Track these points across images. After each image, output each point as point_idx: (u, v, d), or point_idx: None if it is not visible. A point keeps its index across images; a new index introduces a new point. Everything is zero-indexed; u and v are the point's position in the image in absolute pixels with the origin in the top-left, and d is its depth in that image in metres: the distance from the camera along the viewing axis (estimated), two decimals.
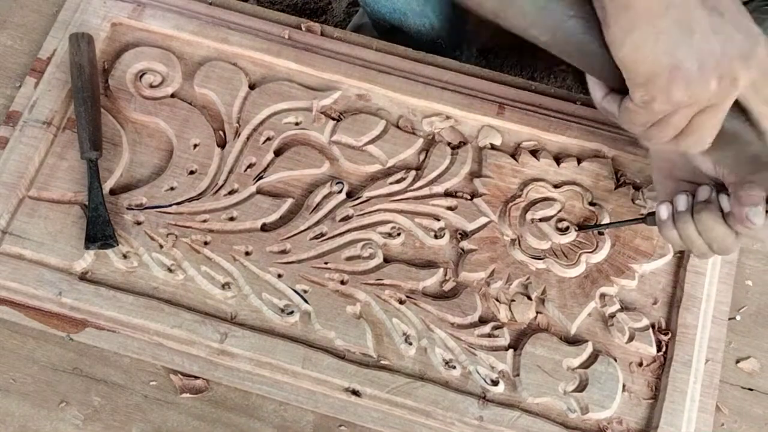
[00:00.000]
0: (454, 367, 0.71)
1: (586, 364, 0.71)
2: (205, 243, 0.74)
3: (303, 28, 0.84)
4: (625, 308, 0.73)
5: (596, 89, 0.61)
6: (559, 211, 0.76)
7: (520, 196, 0.77)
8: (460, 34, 1.11)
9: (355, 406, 0.69)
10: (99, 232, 0.72)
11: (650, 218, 0.69)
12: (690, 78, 0.54)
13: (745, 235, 0.62)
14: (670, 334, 0.73)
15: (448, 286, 0.74)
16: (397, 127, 0.80)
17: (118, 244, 0.73)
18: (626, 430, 0.69)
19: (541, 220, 0.76)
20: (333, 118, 0.80)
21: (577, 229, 0.75)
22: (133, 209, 0.75)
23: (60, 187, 0.76)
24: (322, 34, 0.84)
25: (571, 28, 0.57)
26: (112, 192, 0.76)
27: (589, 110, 0.80)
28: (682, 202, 0.64)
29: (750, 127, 0.60)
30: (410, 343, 0.72)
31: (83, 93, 0.76)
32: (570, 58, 0.60)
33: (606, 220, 0.76)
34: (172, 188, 0.76)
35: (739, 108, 0.59)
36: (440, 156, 0.78)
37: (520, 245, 0.75)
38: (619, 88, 0.58)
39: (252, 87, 0.81)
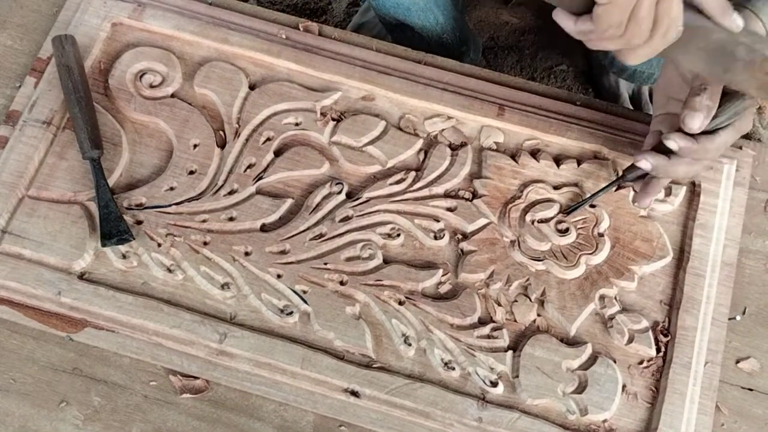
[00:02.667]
0: (454, 368, 0.71)
1: (586, 366, 0.71)
2: (205, 243, 0.74)
3: (301, 28, 0.84)
4: (624, 310, 0.73)
5: (566, 21, 0.63)
6: (559, 212, 0.76)
7: (519, 197, 0.77)
8: (465, 30, 1.11)
9: (354, 407, 0.69)
10: (113, 228, 0.72)
11: (627, 172, 0.73)
12: None
13: (694, 157, 0.68)
14: (669, 336, 0.73)
15: (447, 288, 0.74)
16: (399, 128, 0.80)
17: (134, 238, 0.73)
18: None
19: (540, 221, 0.76)
20: (333, 119, 0.80)
21: (564, 213, 0.76)
22: (132, 209, 0.75)
23: (59, 187, 0.76)
24: (319, 34, 0.84)
25: None
26: (112, 192, 0.76)
27: (589, 112, 0.80)
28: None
29: (705, 17, 0.62)
30: (409, 344, 0.72)
31: (75, 94, 0.76)
32: None
33: (606, 222, 0.76)
34: (171, 188, 0.76)
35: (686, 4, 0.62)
36: (440, 157, 0.78)
37: (519, 247, 0.75)
38: (581, 11, 0.61)
39: (252, 87, 0.81)
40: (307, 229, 0.75)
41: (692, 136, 0.67)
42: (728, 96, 0.66)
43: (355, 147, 0.79)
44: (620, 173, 0.75)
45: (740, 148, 0.79)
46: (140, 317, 0.71)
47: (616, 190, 0.76)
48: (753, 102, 0.67)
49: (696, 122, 0.65)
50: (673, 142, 0.67)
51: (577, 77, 1.31)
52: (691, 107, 0.65)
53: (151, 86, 0.81)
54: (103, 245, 0.72)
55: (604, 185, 0.75)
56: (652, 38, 0.61)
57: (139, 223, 0.75)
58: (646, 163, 0.70)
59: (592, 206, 0.76)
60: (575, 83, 1.30)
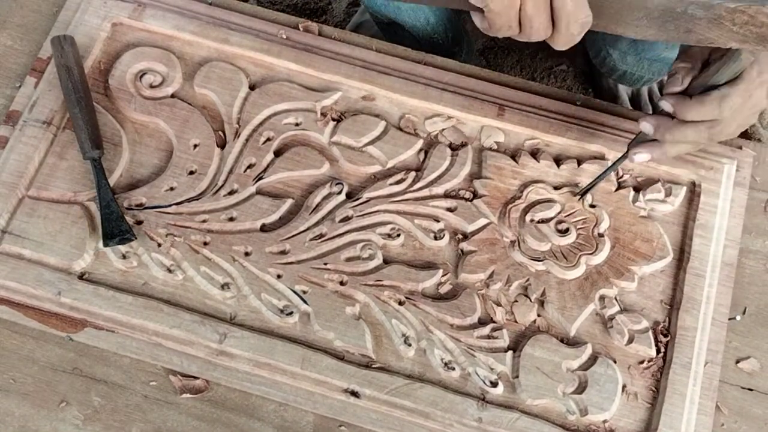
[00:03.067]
0: (454, 369, 0.71)
1: (586, 366, 0.71)
2: (205, 243, 0.74)
3: (301, 28, 0.84)
4: (624, 310, 0.73)
5: (476, 18, 0.62)
6: (559, 212, 0.76)
7: (519, 197, 0.77)
8: (458, 31, 1.11)
9: (354, 407, 0.69)
10: (115, 228, 0.72)
11: (633, 141, 0.71)
12: None
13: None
14: (669, 336, 0.73)
15: (447, 288, 0.74)
16: (399, 128, 0.80)
17: (136, 237, 0.73)
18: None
19: (540, 221, 0.76)
20: (333, 119, 0.80)
21: (577, 195, 0.76)
22: (133, 209, 0.75)
23: (59, 187, 0.76)
24: (319, 34, 0.84)
25: None
26: (113, 192, 0.76)
27: (589, 112, 0.80)
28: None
29: None
30: (409, 345, 0.72)
31: (75, 94, 0.76)
32: (437, 2, 0.64)
33: (606, 222, 0.76)
34: (171, 188, 0.76)
35: None
36: (440, 157, 0.78)
37: (519, 247, 0.75)
38: None
39: (252, 87, 0.81)
40: (307, 229, 0.75)
41: (687, 95, 0.65)
42: (722, 55, 0.64)
43: (355, 147, 0.79)
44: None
45: (740, 148, 0.79)
46: (140, 317, 0.71)
47: (618, 189, 0.76)
48: (749, 58, 0.62)
49: (675, 82, 0.65)
50: (665, 102, 0.66)
51: (577, 77, 1.31)
52: (670, 73, 0.66)
53: (151, 86, 0.81)
54: (105, 245, 0.72)
55: (612, 161, 0.75)
56: (557, 32, 0.60)
57: (139, 223, 0.75)
58: (647, 124, 0.68)
59: (592, 206, 0.76)
60: (575, 83, 1.30)
